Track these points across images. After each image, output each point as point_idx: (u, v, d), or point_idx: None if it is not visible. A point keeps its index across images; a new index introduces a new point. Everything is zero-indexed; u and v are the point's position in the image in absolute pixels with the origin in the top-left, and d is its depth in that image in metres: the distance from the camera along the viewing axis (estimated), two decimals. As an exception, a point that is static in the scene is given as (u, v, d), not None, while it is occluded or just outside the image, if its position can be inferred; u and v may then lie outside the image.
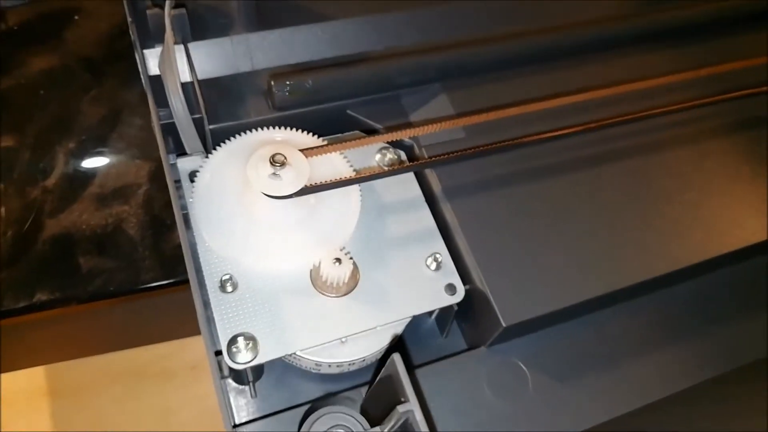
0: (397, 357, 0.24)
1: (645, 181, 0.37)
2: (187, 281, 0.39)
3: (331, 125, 0.38)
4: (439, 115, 0.38)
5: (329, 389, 0.34)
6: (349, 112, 0.37)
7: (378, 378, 0.27)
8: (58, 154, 0.42)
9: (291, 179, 0.30)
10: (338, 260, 0.31)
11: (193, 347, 0.66)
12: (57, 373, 0.65)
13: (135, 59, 0.48)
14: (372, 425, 0.27)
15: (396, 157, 0.36)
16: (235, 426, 0.30)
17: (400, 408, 0.24)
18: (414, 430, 0.24)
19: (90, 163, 0.41)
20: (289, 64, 0.37)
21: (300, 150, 0.31)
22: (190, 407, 0.64)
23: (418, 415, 0.24)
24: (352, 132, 0.38)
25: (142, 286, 0.38)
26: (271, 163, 0.30)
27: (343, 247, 0.32)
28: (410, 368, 0.33)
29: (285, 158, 0.30)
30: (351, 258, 0.32)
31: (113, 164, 0.41)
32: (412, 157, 0.37)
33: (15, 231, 0.38)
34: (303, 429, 0.28)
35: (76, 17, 0.50)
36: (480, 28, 0.41)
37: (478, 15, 0.41)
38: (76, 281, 0.37)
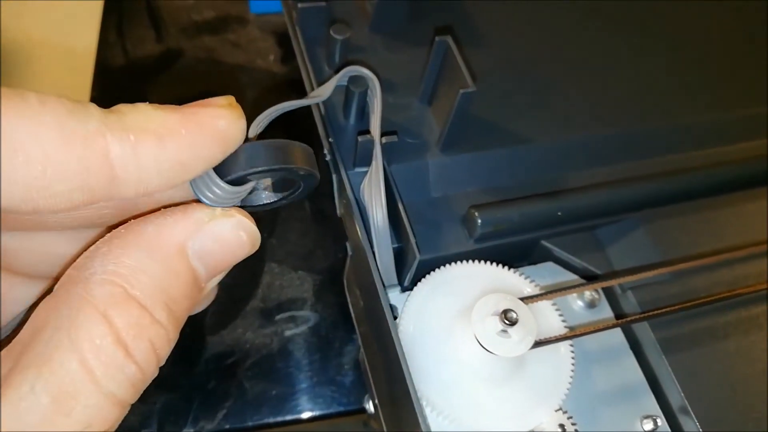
0: None
1: None
2: (355, 411, 0.37)
3: (523, 255, 0.35)
4: (639, 248, 0.35)
5: None
6: (543, 243, 0.35)
7: None
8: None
9: (521, 337, 0.28)
10: (562, 427, 0.28)
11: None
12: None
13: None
14: None
15: (597, 295, 0.34)
16: None
17: None
18: None
19: (250, 272, 0.39)
20: (484, 188, 0.35)
21: (520, 298, 0.29)
22: None
23: None
24: (545, 263, 0.35)
25: (311, 415, 0.35)
26: (501, 320, 0.27)
27: (563, 410, 0.29)
28: None
29: (516, 315, 0.28)
30: (575, 424, 0.29)
31: (275, 274, 0.38)
32: (610, 294, 0.34)
33: (175, 349, 0.35)
34: None
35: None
36: (678, 150, 0.38)
37: (677, 136, 0.39)
38: (242, 408, 0.34)
